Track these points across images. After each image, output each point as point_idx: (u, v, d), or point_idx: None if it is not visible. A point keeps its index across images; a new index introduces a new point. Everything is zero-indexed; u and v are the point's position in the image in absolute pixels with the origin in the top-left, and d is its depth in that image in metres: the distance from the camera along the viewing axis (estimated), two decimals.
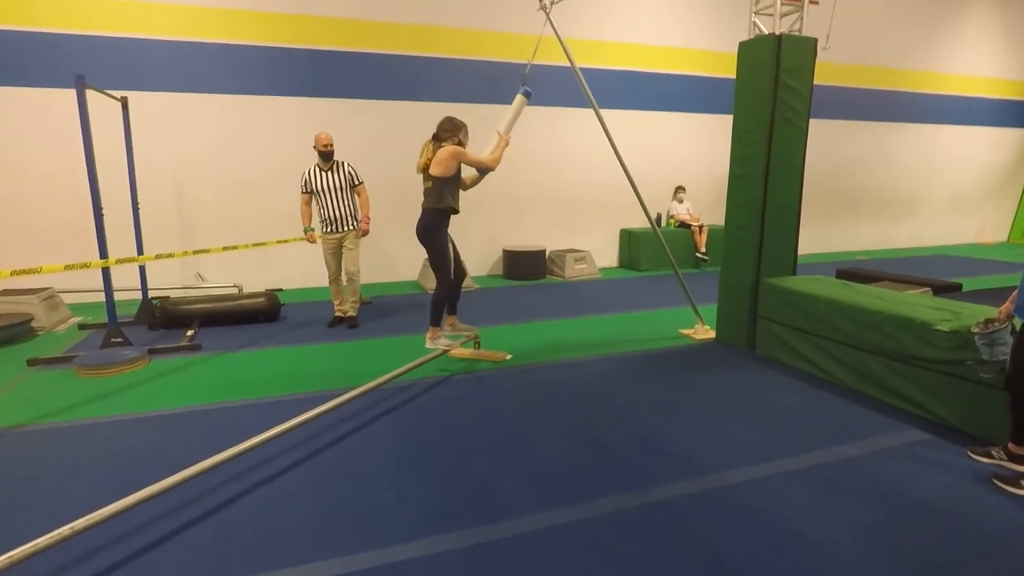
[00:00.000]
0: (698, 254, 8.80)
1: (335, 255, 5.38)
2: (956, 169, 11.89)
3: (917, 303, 3.73)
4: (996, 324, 2.88)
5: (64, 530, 2.04)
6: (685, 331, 5.25)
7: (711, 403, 3.65)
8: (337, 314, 5.55)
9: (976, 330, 2.94)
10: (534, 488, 2.65)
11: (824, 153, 10.29)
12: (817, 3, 9.96)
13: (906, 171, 11.41)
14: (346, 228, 5.33)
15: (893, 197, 11.43)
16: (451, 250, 4.36)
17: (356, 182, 5.34)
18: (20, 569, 1.99)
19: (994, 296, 5.55)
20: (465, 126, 4.27)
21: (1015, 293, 2.78)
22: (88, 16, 6.32)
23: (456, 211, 4.29)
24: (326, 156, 5.20)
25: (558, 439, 3.16)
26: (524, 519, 2.41)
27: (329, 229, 5.32)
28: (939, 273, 7.50)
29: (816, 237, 10.58)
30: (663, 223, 9.21)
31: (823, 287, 4.27)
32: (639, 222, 8.94)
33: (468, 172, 4.42)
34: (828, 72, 9.81)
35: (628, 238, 9.02)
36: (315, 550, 2.21)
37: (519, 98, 4.54)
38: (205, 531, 2.33)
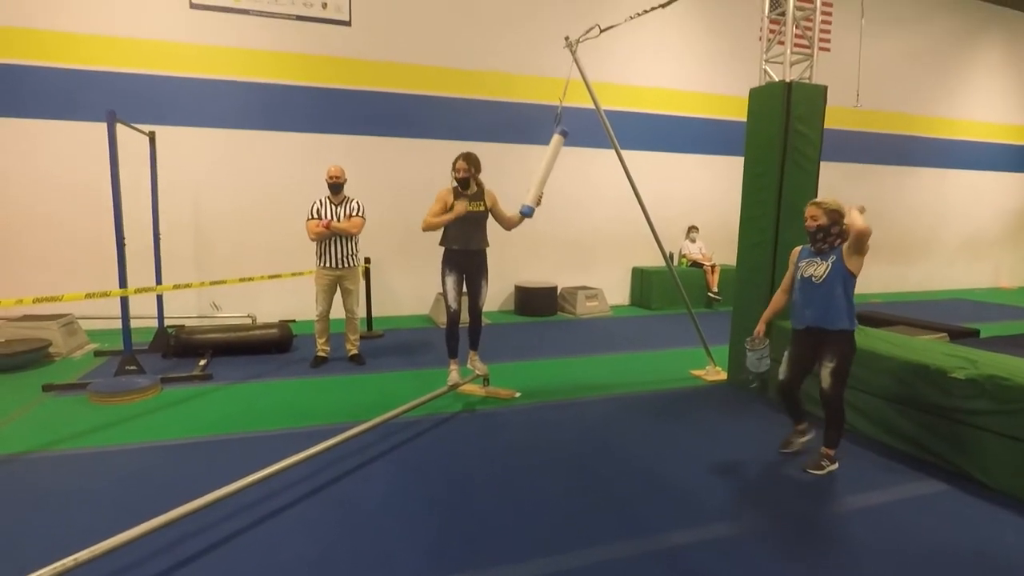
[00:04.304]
0: (710, 294, 8.77)
1: (328, 292, 5.26)
2: (969, 213, 11.87)
3: (932, 349, 3.69)
4: (757, 341, 3.49)
5: (67, 561, 2.05)
6: (696, 372, 5.21)
7: (719, 448, 3.60)
8: (319, 354, 5.36)
9: (754, 347, 3.49)
10: (536, 531, 2.62)
11: (837, 196, 10.30)
12: (828, 50, 10.12)
13: (919, 214, 11.40)
14: (345, 266, 5.23)
15: (906, 239, 11.39)
16: (448, 285, 4.41)
17: (354, 213, 5.23)
18: None
19: (1013, 343, 5.48)
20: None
21: (766, 313, 3.54)
22: (120, 55, 6.61)
23: (451, 249, 4.37)
24: (335, 189, 5.22)
25: (562, 481, 3.13)
26: (524, 564, 2.37)
27: (328, 264, 5.21)
28: (955, 318, 7.39)
29: None
30: (675, 262, 9.23)
31: None
32: (651, 260, 8.97)
33: (512, 210, 4.44)
34: (841, 117, 9.94)
35: (640, 276, 9.04)
36: None
37: (556, 138, 4.37)
38: (206, 566, 2.32)
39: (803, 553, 2.49)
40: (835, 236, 3.16)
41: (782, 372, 3.39)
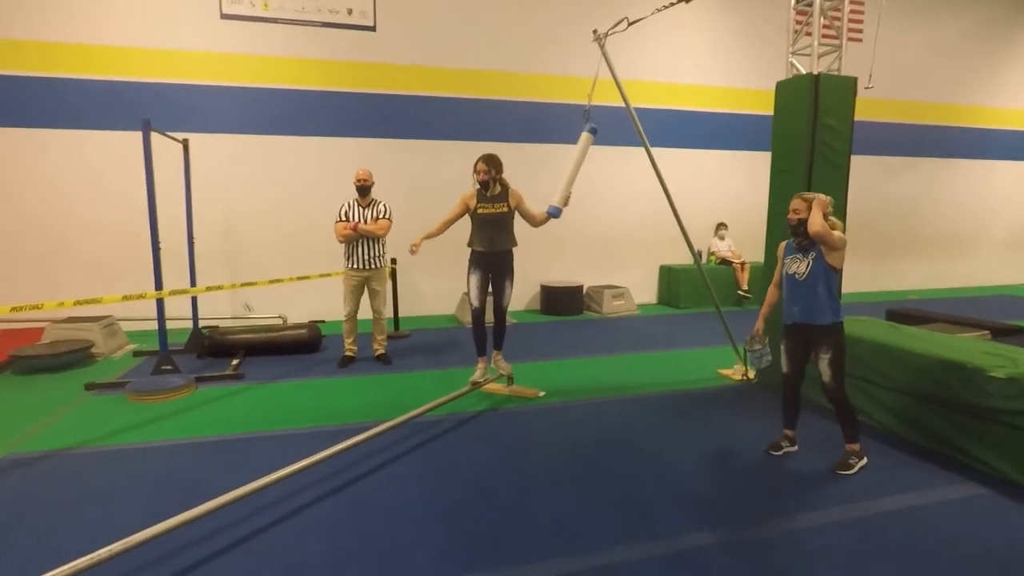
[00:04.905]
0: (740, 292, 8.61)
1: (356, 293, 5.35)
2: (1014, 206, 11.36)
3: (970, 348, 3.55)
4: (755, 339, 3.42)
5: (103, 552, 2.13)
6: (724, 371, 5.12)
7: (744, 449, 3.53)
8: (347, 354, 5.45)
9: (752, 347, 3.43)
10: (554, 532, 2.61)
11: (874, 190, 10.05)
12: (860, 40, 9.85)
13: (963, 207, 10.98)
14: (372, 267, 5.31)
15: (950, 234, 10.98)
16: (472, 285, 4.45)
17: (381, 216, 5.30)
18: None
19: None
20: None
21: (762, 309, 3.48)
22: (154, 66, 6.85)
23: (476, 251, 4.43)
24: (363, 191, 5.31)
25: (583, 481, 3.12)
26: (541, 564, 2.37)
27: (355, 266, 5.30)
28: (1000, 314, 7.09)
29: (866, 275, 10.23)
30: (704, 260, 9.09)
31: (868, 329, 4.12)
32: (679, 258, 8.85)
33: (540, 209, 4.42)
34: (880, 109, 9.65)
35: (668, 274, 8.93)
36: None
37: (585, 136, 4.30)
38: (228, 562, 2.38)
39: (828, 558, 2.43)
40: None
41: (784, 365, 3.37)
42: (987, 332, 5.06)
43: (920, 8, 10.04)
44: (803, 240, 3.14)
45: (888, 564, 2.38)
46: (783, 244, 3.35)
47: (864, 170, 10.03)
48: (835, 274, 3.14)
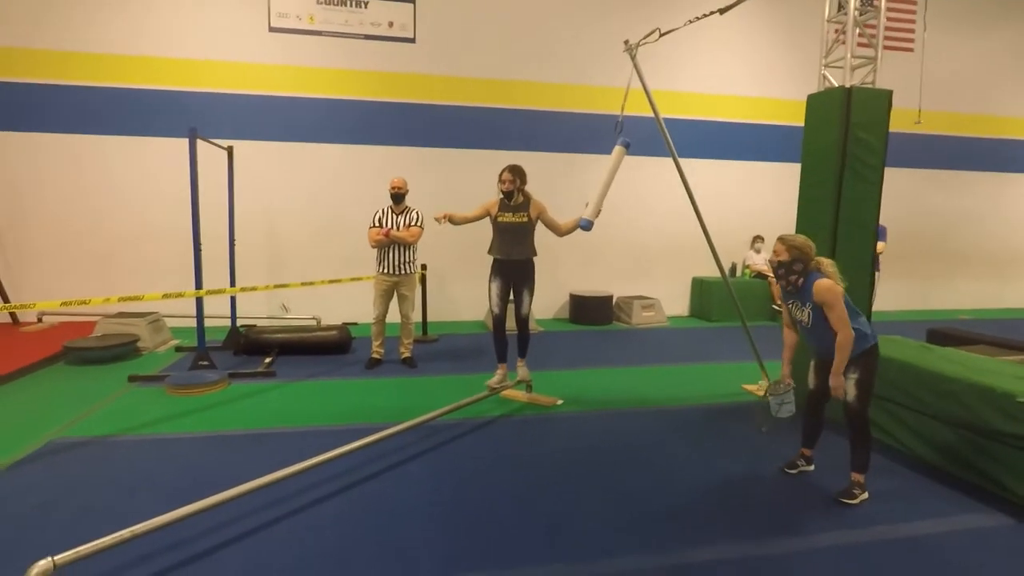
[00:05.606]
0: (774, 306, 8.41)
1: (385, 297, 5.50)
2: None
3: (1003, 371, 3.41)
4: (783, 387, 3.22)
5: (125, 533, 2.28)
6: (748, 387, 5.04)
7: (759, 466, 3.47)
8: (374, 356, 5.58)
9: (776, 392, 3.24)
10: (556, 539, 2.64)
11: (922, 204, 9.67)
12: (911, 50, 9.51)
13: (1017, 225, 10.44)
14: (402, 272, 5.44)
15: (1003, 252, 10.45)
16: (492, 292, 4.56)
17: (413, 223, 5.45)
18: (85, 564, 2.22)
19: None
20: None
21: (784, 353, 3.28)
22: (205, 76, 7.23)
23: (495, 259, 4.58)
24: (398, 199, 5.48)
25: (591, 491, 3.13)
26: (540, 568, 2.41)
27: (386, 271, 5.44)
28: None
29: (915, 293, 9.87)
30: (738, 273, 8.94)
31: (899, 349, 3.99)
32: (712, 271, 8.70)
33: (564, 218, 4.52)
34: (931, 121, 9.29)
35: (700, 287, 8.81)
36: None
37: (618, 150, 4.31)
38: (239, 552, 2.50)
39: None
40: (797, 275, 2.97)
41: (810, 381, 3.26)
42: None
43: (973, 17, 9.66)
44: (784, 283, 3.03)
45: None
46: (777, 283, 3.18)
47: (915, 183, 9.70)
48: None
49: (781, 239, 3.02)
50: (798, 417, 3.34)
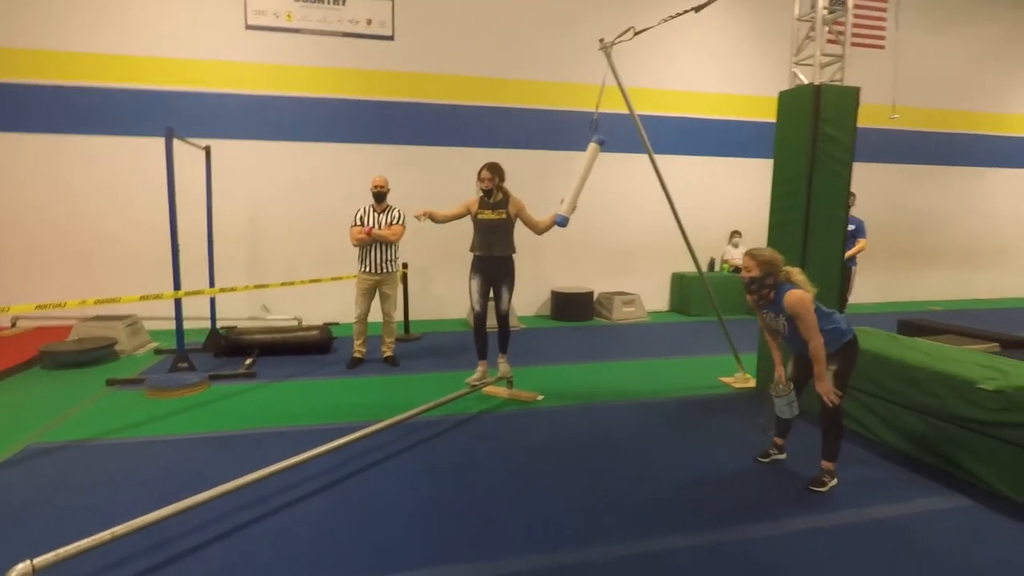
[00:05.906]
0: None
1: (367, 295, 5.49)
2: None
3: (965, 359, 3.53)
4: (781, 387, 3.23)
5: (104, 534, 2.29)
6: (725, 379, 5.14)
7: (734, 456, 3.56)
8: (356, 355, 5.58)
9: (779, 393, 3.24)
10: (536, 530, 2.70)
11: (894, 198, 9.89)
12: (882, 47, 9.70)
13: (988, 217, 10.73)
14: (384, 271, 5.45)
15: (973, 244, 10.74)
16: (473, 289, 4.62)
17: (395, 222, 5.45)
18: (65, 566, 2.22)
19: None
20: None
21: (775, 356, 3.36)
22: (180, 75, 7.15)
23: (476, 256, 4.66)
24: (379, 197, 5.48)
25: (569, 482, 3.20)
26: (519, 559, 2.46)
27: (367, 269, 5.46)
28: (1019, 327, 6.94)
29: (886, 285, 10.09)
30: (716, 267, 9.07)
31: (867, 339, 4.08)
32: (692, 266, 8.82)
33: (542, 216, 4.62)
34: (906, 116, 9.50)
35: (680, 282, 8.93)
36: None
37: (592, 147, 4.39)
38: (223, 549, 2.52)
39: (804, 563, 2.47)
40: (769, 288, 3.04)
41: (790, 371, 3.33)
42: (995, 344, 4.98)
43: (944, 15, 9.88)
44: (756, 297, 3.09)
45: (864, 572, 2.41)
46: (750, 297, 3.18)
47: (891, 178, 9.92)
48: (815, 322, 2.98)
49: (750, 254, 3.07)
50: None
